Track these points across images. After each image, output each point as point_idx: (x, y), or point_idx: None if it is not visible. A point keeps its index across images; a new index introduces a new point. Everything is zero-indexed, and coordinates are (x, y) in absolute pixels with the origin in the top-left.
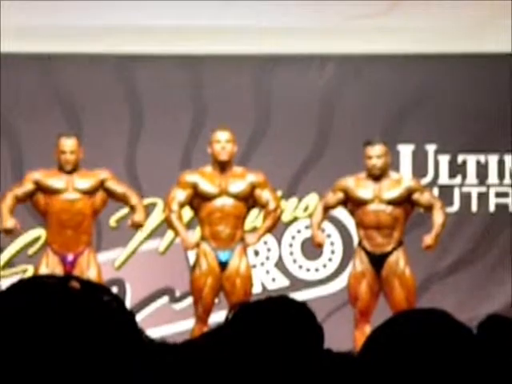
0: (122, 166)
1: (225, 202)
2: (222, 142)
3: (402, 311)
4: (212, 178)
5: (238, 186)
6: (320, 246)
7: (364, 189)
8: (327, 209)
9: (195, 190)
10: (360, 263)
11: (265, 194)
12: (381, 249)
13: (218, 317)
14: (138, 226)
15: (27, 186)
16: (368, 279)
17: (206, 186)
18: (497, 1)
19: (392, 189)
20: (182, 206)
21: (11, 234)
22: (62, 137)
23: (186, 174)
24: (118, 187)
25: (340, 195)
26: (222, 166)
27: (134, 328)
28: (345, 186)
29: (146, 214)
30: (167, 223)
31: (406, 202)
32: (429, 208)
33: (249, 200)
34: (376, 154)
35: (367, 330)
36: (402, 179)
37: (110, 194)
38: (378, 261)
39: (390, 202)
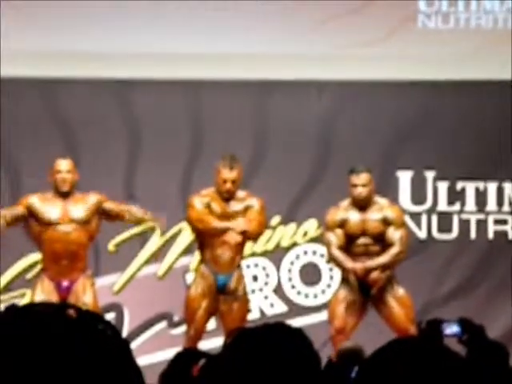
0: (120, 191)
1: (226, 225)
2: (228, 182)
3: (398, 339)
4: (217, 202)
5: (237, 208)
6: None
7: (351, 223)
8: (342, 249)
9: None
10: (346, 285)
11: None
12: (369, 272)
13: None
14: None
15: (17, 210)
16: (349, 300)
17: (215, 209)
18: (495, 29)
19: (375, 221)
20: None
21: None
22: (57, 159)
23: (196, 198)
24: (114, 206)
25: (339, 231)
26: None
27: (128, 356)
28: (338, 221)
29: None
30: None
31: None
32: (389, 245)
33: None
34: (361, 182)
35: None
36: (385, 208)
37: (107, 214)
38: (366, 283)
39: (374, 236)
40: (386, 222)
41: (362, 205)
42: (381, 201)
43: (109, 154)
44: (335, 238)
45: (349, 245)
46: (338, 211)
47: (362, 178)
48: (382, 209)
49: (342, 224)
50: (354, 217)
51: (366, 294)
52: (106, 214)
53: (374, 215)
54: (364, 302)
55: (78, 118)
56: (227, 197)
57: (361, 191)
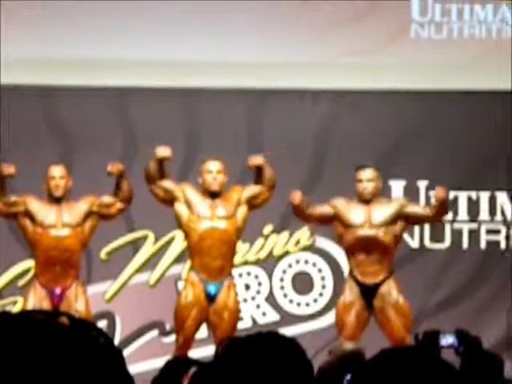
0: None
1: (214, 225)
2: (214, 173)
3: (391, 348)
4: (203, 201)
5: (226, 208)
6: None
7: (354, 212)
8: (312, 211)
9: (187, 202)
10: (350, 293)
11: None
12: (371, 278)
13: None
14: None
15: (14, 198)
16: (357, 308)
17: (198, 205)
18: (492, 39)
19: (382, 211)
20: (163, 177)
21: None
22: (50, 166)
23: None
24: (105, 199)
25: (329, 209)
26: (213, 196)
27: (120, 364)
28: (336, 205)
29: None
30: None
31: (397, 222)
32: (424, 216)
33: (237, 219)
34: (367, 177)
35: None
36: (391, 203)
37: (106, 207)
38: (369, 291)
39: (380, 226)
40: (400, 205)
41: (367, 200)
42: (385, 200)
43: (105, 162)
44: (318, 207)
45: (348, 237)
46: (342, 199)
47: (367, 173)
48: (388, 203)
49: (342, 210)
50: (357, 207)
51: (368, 298)
52: (105, 207)
53: (378, 206)
54: (367, 306)
55: (75, 126)
56: (216, 190)
57: (366, 186)
